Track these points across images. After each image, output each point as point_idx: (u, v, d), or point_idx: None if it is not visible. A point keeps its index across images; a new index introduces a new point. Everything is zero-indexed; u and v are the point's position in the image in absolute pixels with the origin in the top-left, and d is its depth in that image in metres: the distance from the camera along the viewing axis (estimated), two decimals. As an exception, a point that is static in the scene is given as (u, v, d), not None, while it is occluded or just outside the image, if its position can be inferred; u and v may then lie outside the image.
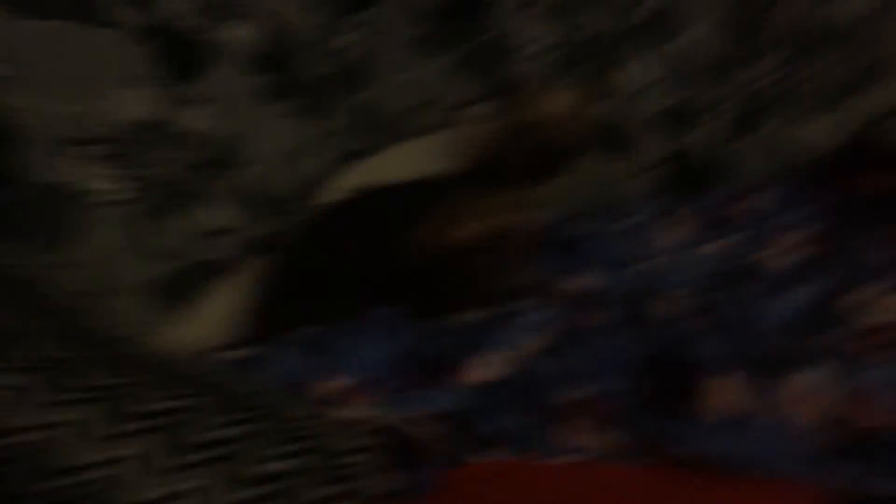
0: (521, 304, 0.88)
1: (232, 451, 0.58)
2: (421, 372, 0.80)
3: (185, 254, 1.03)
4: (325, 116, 1.40)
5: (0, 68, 0.83)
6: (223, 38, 1.15)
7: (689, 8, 1.29)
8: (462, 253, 0.85)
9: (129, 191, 0.96)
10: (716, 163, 1.36)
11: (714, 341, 0.79)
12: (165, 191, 1.01)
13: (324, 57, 1.44)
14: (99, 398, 0.58)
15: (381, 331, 0.86)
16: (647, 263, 1.02)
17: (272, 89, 1.24)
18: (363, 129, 1.46)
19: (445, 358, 0.80)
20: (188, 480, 0.54)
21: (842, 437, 0.67)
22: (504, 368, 0.79)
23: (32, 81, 0.86)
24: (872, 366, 0.72)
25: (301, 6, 1.38)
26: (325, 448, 0.64)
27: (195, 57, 1.11)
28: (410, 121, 1.43)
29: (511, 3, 1.35)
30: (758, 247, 1.01)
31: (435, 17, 1.39)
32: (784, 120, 1.31)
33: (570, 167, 1.14)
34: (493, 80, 1.38)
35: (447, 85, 1.40)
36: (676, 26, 1.30)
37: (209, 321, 0.97)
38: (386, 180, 1.05)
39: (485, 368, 0.78)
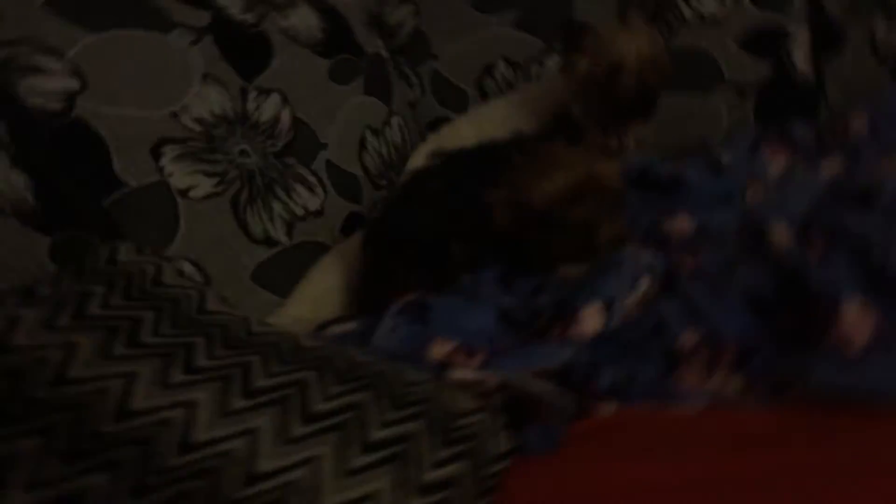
0: (625, 252, 0.84)
1: (350, 418, 0.59)
2: (530, 328, 0.78)
3: (283, 239, 1.04)
4: (397, 92, 1.39)
5: (68, 82, 0.85)
6: (280, 26, 1.16)
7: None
8: (551, 208, 0.82)
9: (217, 184, 0.97)
10: (810, 85, 1.27)
11: (843, 267, 0.73)
12: (252, 181, 1.02)
13: (383, 33, 1.43)
14: (225, 376, 0.59)
15: (484, 292, 0.84)
16: (755, 195, 0.96)
17: (339, 70, 1.24)
18: (436, 98, 1.45)
19: (554, 312, 0.77)
20: (309, 449, 0.55)
21: None
22: (618, 316, 0.76)
23: (108, 90, 0.89)
24: None
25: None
26: (442, 410, 0.63)
27: (258, 48, 1.12)
28: (480, 84, 1.41)
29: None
30: (873, 164, 0.94)
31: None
32: (874, 29, 1.21)
33: (656, 107, 1.09)
34: (558, 32, 1.34)
35: (511, 44, 1.37)
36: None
37: (314, 300, 0.98)
38: (464, 144, 1.03)
39: (597, 318, 0.75)
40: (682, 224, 0.94)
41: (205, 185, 0.96)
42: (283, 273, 1.02)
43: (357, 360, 0.68)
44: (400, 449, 0.57)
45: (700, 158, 1.10)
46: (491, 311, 0.81)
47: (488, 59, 1.40)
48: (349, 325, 0.86)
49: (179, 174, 0.94)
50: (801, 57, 1.26)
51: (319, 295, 0.99)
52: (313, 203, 1.10)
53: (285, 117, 1.11)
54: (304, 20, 1.23)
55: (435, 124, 1.41)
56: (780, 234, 0.81)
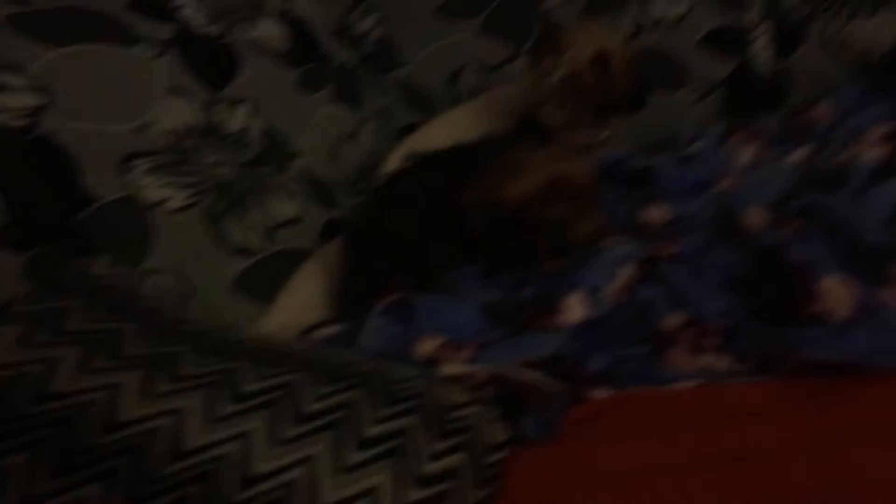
0: (603, 244, 0.85)
1: (343, 416, 0.58)
2: (516, 321, 0.78)
3: (261, 248, 1.03)
4: (367, 99, 1.39)
5: (33, 98, 0.84)
6: (246, 38, 1.16)
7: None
8: (524, 208, 0.82)
9: (190, 196, 0.96)
10: (773, 80, 1.30)
11: (816, 243, 0.74)
12: (225, 191, 1.01)
13: (351, 42, 1.44)
14: (213, 382, 0.58)
15: (468, 287, 0.84)
16: (728, 183, 0.98)
17: (309, 79, 1.24)
18: (406, 104, 1.45)
19: (539, 303, 0.78)
20: (303, 449, 0.54)
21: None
22: (602, 304, 0.76)
23: (74, 106, 0.87)
24: None
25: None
26: (435, 404, 0.63)
27: (225, 59, 1.11)
28: (449, 89, 1.42)
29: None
30: (839, 148, 0.96)
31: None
32: (834, 24, 1.25)
33: (628, 105, 1.10)
34: (523, 35, 1.35)
35: (478, 48, 1.38)
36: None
37: (297, 307, 0.97)
38: (435, 147, 1.03)
39: (582, 306, 0.75)
40: (658, 213, 0.95)
41: (178, 198, 0.95)
42: (263, 282, 1.01)
43: (345, 360, 0.68)
44: (396, 444, 0.57)
45: (671, 152, 1.12)
46: (476, 306, 0.81)
47: (457, 64, 1.41)
48: (334, 328, 0.85)
49: (151, 187, 0.93)
50: (763, 54, 1.29)
51: (303, 301, 0.98)
52: (290, 211, 1.09)
53: (256, 127, 1.10)
54: (270, 31, 1.23)
55: (407, 129, 1.42)
56: (755, 217, 0.83)
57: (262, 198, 1.06)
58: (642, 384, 0.70)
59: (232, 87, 1.10)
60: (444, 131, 1.26)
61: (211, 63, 1.09)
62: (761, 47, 1.29)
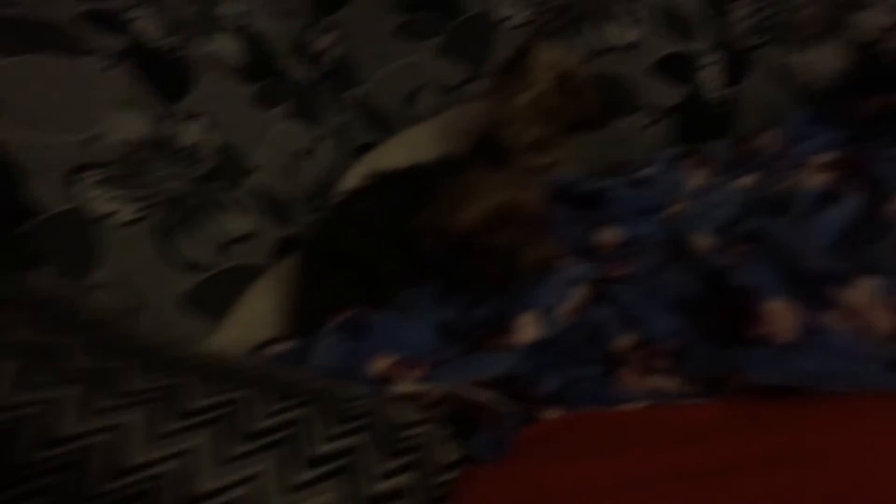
0: (557, 266, 0.85)
1: (292, 433, 0.57)
2: (470, 339, 0.78)
3: (213, 263, 1.01)
4: (324, 116, 1.39)
5: None
6: (202, 52, 1.15)
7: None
8: (473, 235, 0.82)
9: (140, 210, 0.94)
10: (722, 107, 1.34)
11: (761, 267, 0.76)
12: (177, 205, 0.99)
13: (309, 59, 1.44)
14: (157, 398, 0.57)
15: (422, 306, 0.84)
16: (678, 207, 1.00)
17: (265, 95, 1.23)
18: (364, 123, 1.45)
19: (493, 322, 0.78)
20: (250, 467, 0.53)
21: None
22: (555, 324, 0.77)
23: (21, 116, 0.86)
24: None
25: (274, 14, 1.39)
26: (387, 422, 0.62)
27: (179, 73, 1.10)
28: (407, 109, 1.42)
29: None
30: (785, 175, 0.99)
31: (413, 5, 1.39)
32: (780, 54, 1.29)
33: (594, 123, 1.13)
34: (481, 57, 1.37)
35: (436, 69, 1.39)
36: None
37: (250, 323, 0.96)
38: (395, 165, 1.04)
39: (535, 326, 0.76)
40: (610, 235, 0.96)
41: (127, 211, 0.93)
42: (214, 298, 0.99)
43: (296, 378, 0.67)
44: (345, 462, 0.56)
45: (622, 176, 1.14)
46: (429, 325, 0.81)
47: (415, 84, 1.42)
48: (287, 345, 0.84)
49: (99, 200, 0.91)
50: (713, 82, 1.33)
51: (256, 318, 0.97)
52: (244, 226, 1.08)
53: (210, 142, 1.09)
54: (227, 46, 1.22)
55: (364, 148, 1.42)
56: (703, 241, 0.85)
57: (215, 213, 1.04)
58: (593, 404, 0.70)
59: (186, 100, 1.08)
60: (403, 150, 1.27)
61: (165, 76, 1.08)
62: (711, 75, 1.33)
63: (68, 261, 0.86)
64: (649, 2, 1.30)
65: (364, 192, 1.01)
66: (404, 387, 0.71)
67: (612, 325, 0.76)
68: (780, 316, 0.70)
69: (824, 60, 1.27)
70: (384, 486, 0.56)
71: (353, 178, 1.17)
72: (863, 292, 0.68)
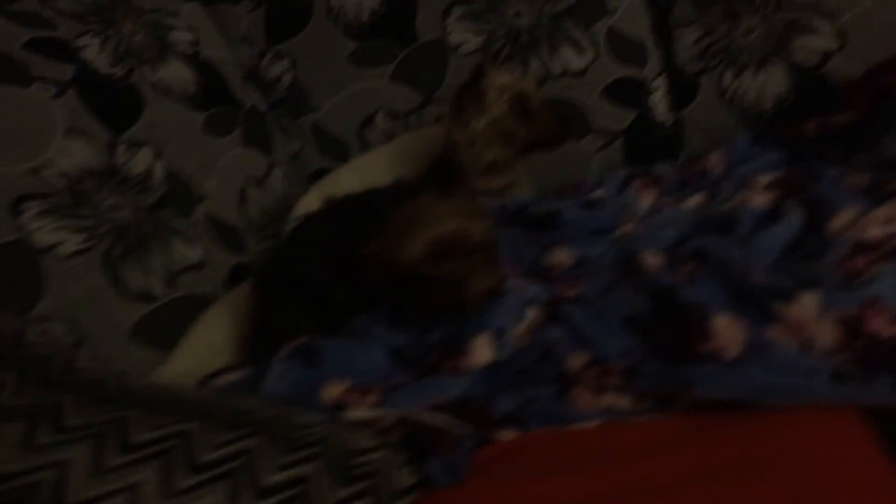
0: (508, 289, 0.85)
1: (242, 464, 0.56)
2: (423, 363, 0.77)
3: (163, 293, 1.00)
4: (277, 143, 1.39)
5: None
6: (151, 80, 1.14)
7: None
8: (417, 266, 0.82)
9: (87, 240, 0.93)
10: (670, 130, 1.38)
11: (708, 284, 0.78)
12: (126, 235, 0.98)
13: (261, 86, 1.43)
14: (101, 433, 0.55)
15: (375, 331, 0.83)
16: (629, 227, 1.02)
17: (215, 123, 1.22)
18: (317, 149, 1.45)
19: (446, 346, 0.78)
20: (199, 500, 0.52)
21: (864, 353, 0.66)
22: (508, 346, 0.77)
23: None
24: (878, 278, 0.72)
25: (226, 41, 1.38)
26: (340, 449, 0.62)
27: (127, 101, 1.09)
28: (360, 135, 1.43)
29: (438, 7, 1.36)
30: (730, 195, 1.02)
31: (366, 32, 1.40)
32: (727, 78, 1.34)
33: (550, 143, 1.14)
34: (434, 83, 1.38)
35: (389, 95, 1.40)
36: (604, 8, 1.33)
37: (200, 353, 0.94)
38: (349, 190, 1.03)
39: (488, 349, 0.76)
40: (561, 257, 0.97)
41: (72, 242, 0.91)
42: (163, 328, 0.97)
43: (246, 407, 0.66)
44: (298, 491, 0.55)
45: (574, 197, 1.16)
46: (383, 350, 0.80)
47: (368, 110, 1.42)
48: (238, 374, 0.82)
49: (43, 231, 0.89)
50: (660, 106, 1.37)
51: (206, 347, 0.95)
52: (193, 256, 1.06)
53: (158, 170, 1.08)
54: (177, 74, 1.21)
55: (318, 174, 1.41)
56: (652, 260, 0.86)
57: (164, 242, 1.03)
58: (548, 424, 0.71)
59: (134, 128, 1.07)
60: (355, 176, 1.26)
61: (113, 104, 1.07)
62: (659, 99, 1.37)
63: (10, 294, 0.84)
64: (599, 28, 1.33)
65: (316, 219, 1.00)
66: (358, 413, 0.71)
67: (565, 344, 0.77)
68: (727, 331, 0.72)
69: (765, 84, 1.31)
70: (338, 514, 0.55)
71: (306, 204, 1.16)
72: (806, 307, 0.70)
